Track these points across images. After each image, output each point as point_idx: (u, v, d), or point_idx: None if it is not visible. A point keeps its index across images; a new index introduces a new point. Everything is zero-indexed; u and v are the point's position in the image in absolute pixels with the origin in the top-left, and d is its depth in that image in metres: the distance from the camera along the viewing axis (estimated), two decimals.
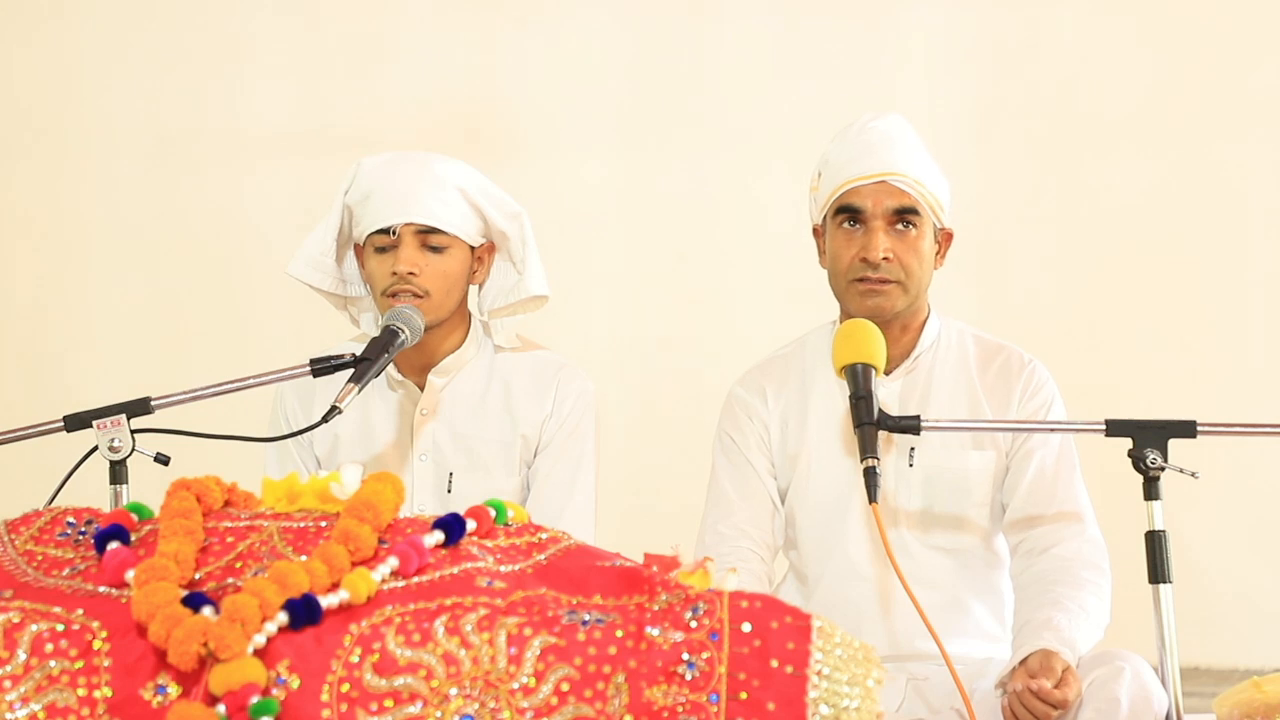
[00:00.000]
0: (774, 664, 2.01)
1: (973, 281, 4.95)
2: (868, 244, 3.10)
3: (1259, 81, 5.29)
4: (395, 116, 5.30)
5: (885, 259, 3.10)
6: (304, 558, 2.14)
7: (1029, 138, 5.32)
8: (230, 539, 2.21)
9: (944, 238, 3.21)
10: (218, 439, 2.83)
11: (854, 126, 3.19)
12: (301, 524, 2.23)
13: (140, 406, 2.77)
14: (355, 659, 2.04)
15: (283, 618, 2.06)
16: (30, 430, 2.82)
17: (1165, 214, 5.28)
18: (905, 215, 3.12)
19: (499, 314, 3.28)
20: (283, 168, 5.29)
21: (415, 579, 2.14)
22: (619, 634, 2.04)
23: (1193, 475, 2.77)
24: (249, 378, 2.91)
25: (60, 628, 2.09)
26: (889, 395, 3.15)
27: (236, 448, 2.93)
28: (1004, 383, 3.21)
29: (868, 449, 2.78)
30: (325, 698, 2.02)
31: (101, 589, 2.16)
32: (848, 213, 3.13)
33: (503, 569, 2.18)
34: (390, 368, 3.18)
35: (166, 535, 2.18)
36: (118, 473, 2.73)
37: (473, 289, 3.28)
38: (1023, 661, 2.86)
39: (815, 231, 3.25)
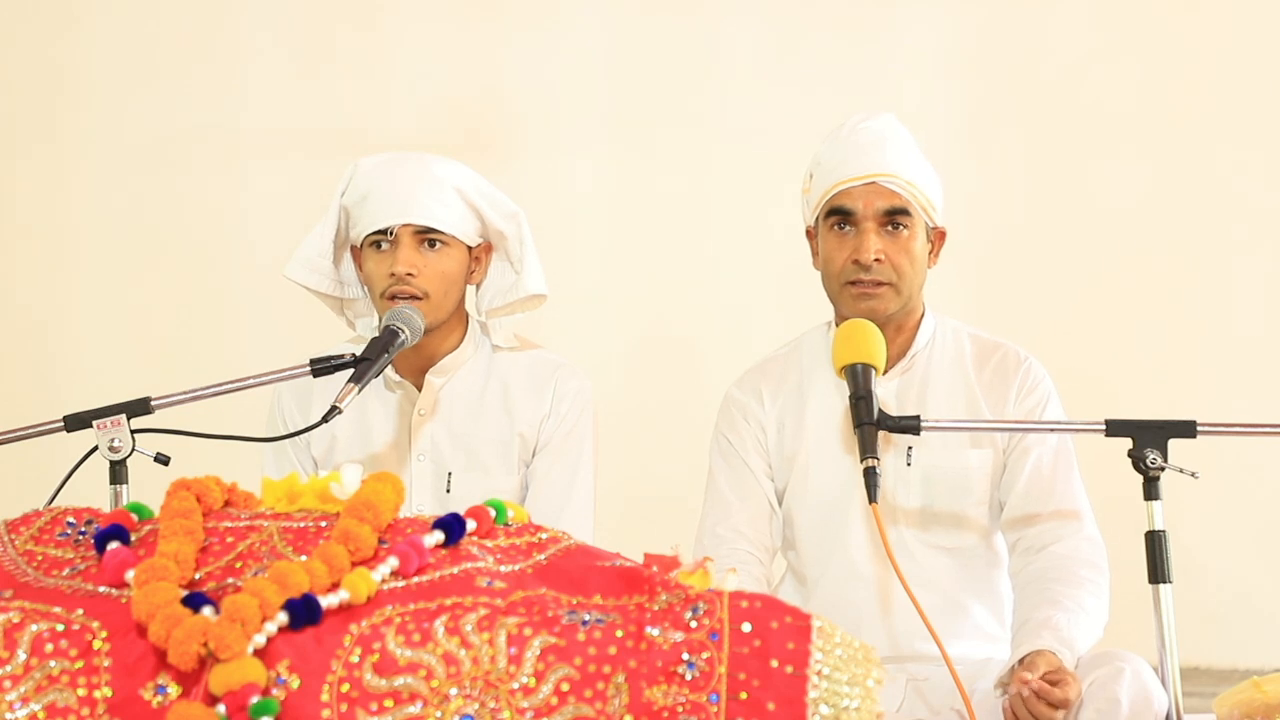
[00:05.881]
0: (774, 664, 2.01)
1: (971, 281, 4.95)
2: (859, 246, 3.10)
3: (1256, 82, 5.29)
4: (395, 117, 5.31)
5: (877, 260, 3.09)
6: (304, 558, 2.14)
7: (1027, 138, 5.33)
8: (230, 539, 2.22)
9: (937, 237, 3.21)
10: (218, 439, 2.83)
11: (844, 127, 3.19)
12: (301, 524, 2.23)
13: (140, 406, 2.77)
14: (355, 659, 2.04)
15: (283, 618, 2.06)
16: (30, 430, 2.82)
17: (1163, 214, 5.29)
18: (896, 216, 3.11)
19: (497, 314, 3.28)
20: (282, 168, 5.29)
21: (415, 579, 2.14)
22: (619, 634, 2.04)
23: (1193, 475, 2.77)
24: (249, 378, 2.91)
25: (60, 628, 2.09)
26: (885, 395, 3.15)
27: (236, 448, 2.93)
28: (1000, 380, 3.21)
29: (868, 449, 2.78)
30: (325, 698, 2.02)
31: (101, 589, 2.16)
32: (839, 214, 3.13)
33: (503, 569, 2.18)
34: (388, 369, 3.18)
35: (166, 535, 2.19)
36: (118, 473, 2.73)
37: (470, 289, 3.28)
38: (1022, 662, 2.86)
39: (808, 233, 3.25)
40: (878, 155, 3.12)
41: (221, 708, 1.99)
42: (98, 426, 2.73)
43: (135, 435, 2.74)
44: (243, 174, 5.34)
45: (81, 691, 2.05)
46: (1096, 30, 5.34)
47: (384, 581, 2.13)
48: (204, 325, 5.27)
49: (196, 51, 5.36)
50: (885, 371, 3.11)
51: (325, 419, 2.85)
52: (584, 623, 2.06)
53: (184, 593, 2.09)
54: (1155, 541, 2.74)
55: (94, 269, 5.32)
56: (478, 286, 3.28)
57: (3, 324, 5.31)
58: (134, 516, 2.30)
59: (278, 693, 2.01)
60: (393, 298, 3.11)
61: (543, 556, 2.21)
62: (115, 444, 2.72)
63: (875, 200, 3.11)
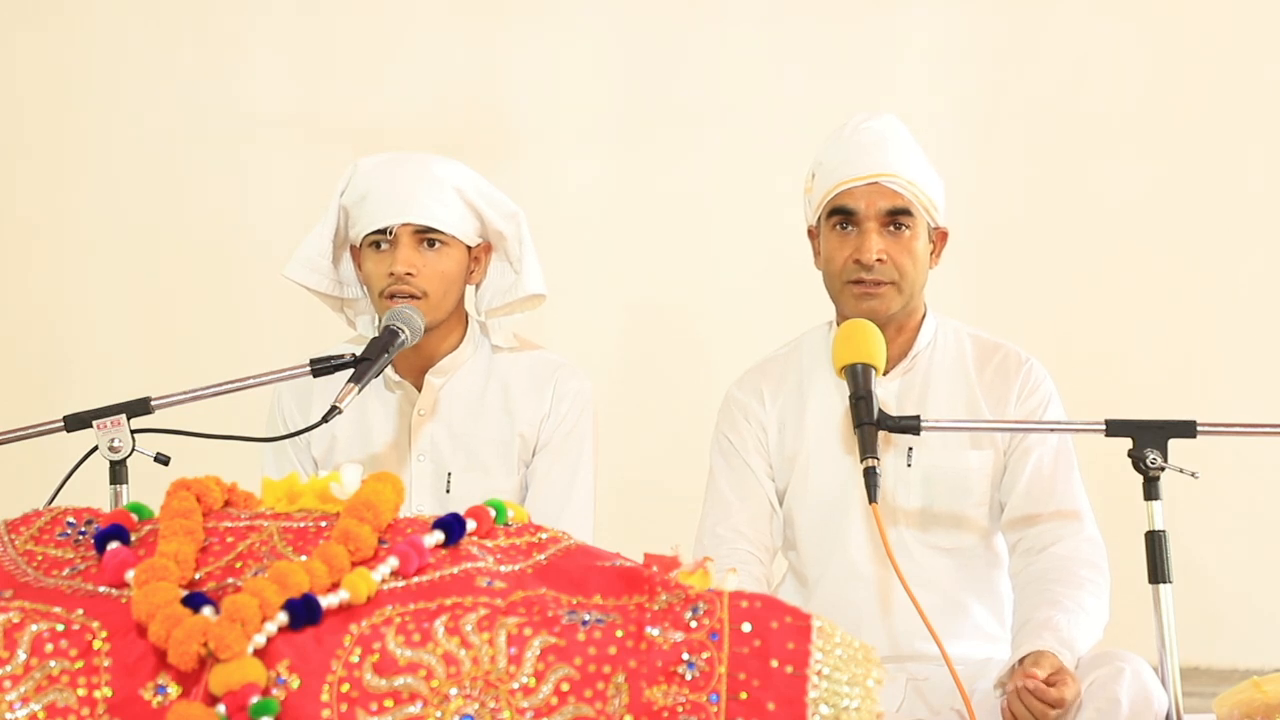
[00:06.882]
0: (774, 664, 2.01)
1: (972, 281, 4.95)
2: (861, 246, 3.10)
3: (1258, 81, 5.29)
4: (395, 117, 5.30)
5: (879, 260, 3.10)
6: (304, 558, 2.14)
7: (1028, 137, 5.33)
8: (230, 539, 2.22)
9: (939, 237, 3.21)
10: (218, 439, 2.83)
11: (847, 127, 3.19)
12: (301, 524, 2.23)
13: (140, 406, 2.77)
14: (355, 659, 2.04)
15: (283, 618, 2.06)
16: (30, 430, 2.82)
17: (1165, 213, 5.29)
18: (898, 216, 3.11)
19: (496, 314, 3.29)
20: (283, 168, 5.29)
21: (415, 579, 2.14)
22: (619, 634, 2.04)
23: (1193, 475, 2.77)
24: (249, 378, 2.91)
25: (60, 628, 2.09)
26: (887, 395, 3.15)
27: (236, 448, 2.93)
28: (1001, 381, 3.21)
29: (868, 449, 2.78)
30: (325, 698, 2.02)
31: (101, 589, 2.16)
32: (841, 214, 3.13)
33: (503, 569, 2.18)
34: (388, 369, 3.18)
35: (166, 535, 2.19)
36: (118, 473, 2.73)
37: (470, 289, 3.28)
38: (1021, 662, 2.86)
39: (810, 233, 3.25)
40: (880, 155, 3.12)
41: (221, 708, 1.99)
42: (98, 426, 2.73)
43: (135, 435, 2.74)
44: (242, 174, 5.33)
45: (81, 691, 2.05)
46: (1097, 30, 5.34)
47: (384, 581, 2.13)
48: (205, 325, 5.27)
49: (197, 51, 5.36)
50: (886, 372, 3.11)
51: (325, 419, 2.85)
52: (584, 623, 2.06)
53: (184, 593, 2.09)
54: (1155, 541, 2.74)
55: (95, 269, 5.31)
56: (477, 286, 3.28)
57: (6, 322, 5.31)
58: (134, 516, 2.30)
59: (278, 693, 2.01)
60: (391, 297, 3.11)
61: (543, 556, 2.21)
62: (115, 444, 2.72)
63: (877, 200, 3.11)
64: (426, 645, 2.05)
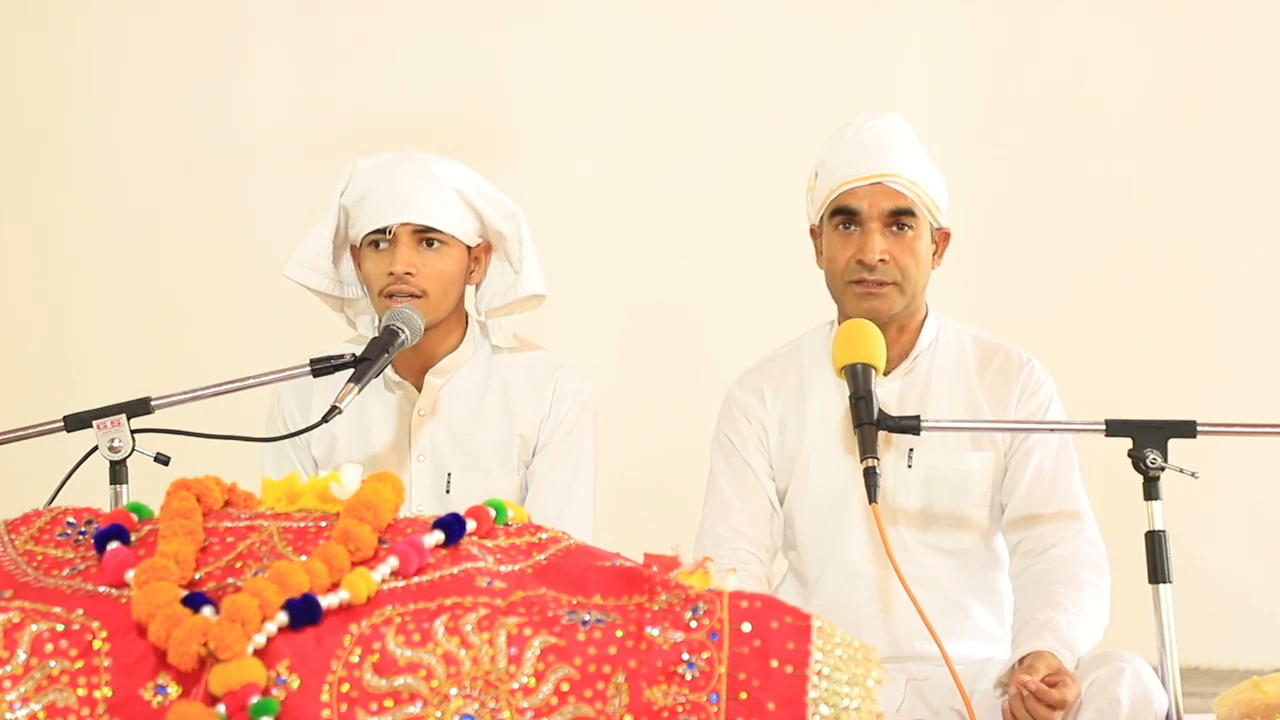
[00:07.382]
0: (774, 664, 2.01)
1: (972, 281, 4.95)
2: (864, 246, 3.10)
3: (1258, 81, 5.29)
4: (395, 117, 5.30)
5: (881, 260, 3.09)
6: (304, 558, 2.14)
7: (1028, 137, 5.32)
8: (230, 539, 2.22)
9: (941, 237, 3.21)
10: (218, 439, 2.83)
11: (850, 127, 3.19)
12: (301, 524, 2.23)
13: (140, 406, 2.77)
14: (355, 659, 2.04)
15: (283, 618, 2.06)
16: (30, 430, 2.82)
17: (1165, 213, 5.29)
18: (901, 216, 3.11)
19: (496, 314, 3.29)
20: (282, 168, 5.29)
21: (415, 579, 2.14)
22: (619, 634, 2.04)
23: (1193, 475, 2.77)
24: (249, 378, 2.91)
25: (60, 628, 2.09)
26: (888, 396, 3.15)
27: (236, 448, 2.93)
28: (1002, 382, 3.21)
29: (868, 449, 2.78)
30: (325, 698, 2.02)
31: (101, 589, 2.16)
32: (844, 214, 3.13)
33: (503, 569, 2.18)
34: (388, 369, 3.18)
35: (166, 535, 2.19)
36: (118, 473, 2.73)
37: (470, 289, 3.28)
38: (1021, 662, 2.86)
39: (812, 232, 3.24)
40: (883, 155, 3.12)
41: (221, 708, 1.99)
42: (98, 426, 2.73)
43: (135, 435, 2.74)
44: (244, 174, 5.33)
45: (81, 691, 2.05)
46: (1097, 30, 5.34)
47: (384, 581, 2.13)
48: (205, 325, 5.28)
49: (199, 53, 5.37)
50: (887, 372, 3.11)
51: (325, 419, 2.85)
52: (584, 623, 2.06)
53: (184, 593, 2.09)
54: (1155, 541, 2.74)
55: (96, 269, 5.31)
56: (477, 287, 3.28)
57: (6, 322, 5.31)
58: (134, 516, 2.30)
59: (278, 693, 2.01)
60: (391, 296, 3.11)
61: (543, 556, 2.21)
62: (115, 444, 2.72)
63: (880, 200, 3.10)
64: (426, 645, 2.05)
